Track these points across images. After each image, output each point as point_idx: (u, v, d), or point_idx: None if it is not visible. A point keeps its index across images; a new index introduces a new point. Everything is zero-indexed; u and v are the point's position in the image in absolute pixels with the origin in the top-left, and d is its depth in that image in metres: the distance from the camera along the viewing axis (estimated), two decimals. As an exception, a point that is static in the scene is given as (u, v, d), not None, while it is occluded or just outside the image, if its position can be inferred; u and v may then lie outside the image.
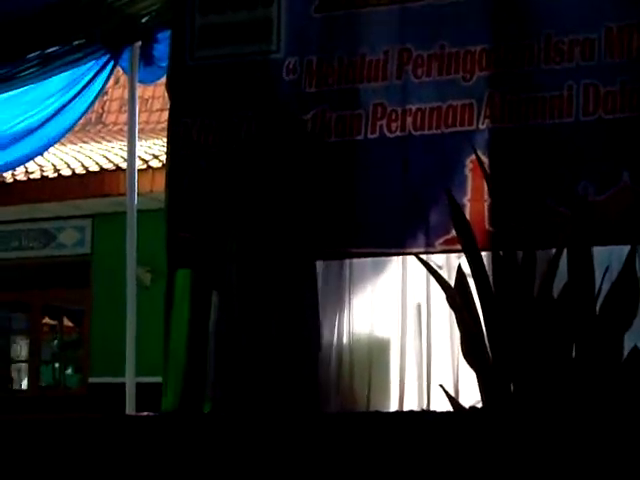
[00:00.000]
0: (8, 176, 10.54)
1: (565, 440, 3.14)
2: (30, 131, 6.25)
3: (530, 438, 3.17)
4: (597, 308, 3.70)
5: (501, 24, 4.68)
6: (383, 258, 4.87)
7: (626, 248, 3.97)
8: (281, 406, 4.26)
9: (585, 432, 3.13)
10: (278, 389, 4.30)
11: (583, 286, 3.64)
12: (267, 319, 4.32)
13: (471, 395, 4.28)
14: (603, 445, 3.09)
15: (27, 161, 7.07)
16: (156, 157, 10.30)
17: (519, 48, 4.61)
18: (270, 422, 3.79)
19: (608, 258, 4.07)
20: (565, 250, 3.84)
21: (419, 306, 4.81)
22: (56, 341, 13.28)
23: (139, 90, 6.28)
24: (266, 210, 4.40)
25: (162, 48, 5.74)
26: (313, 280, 4.50)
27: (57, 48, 5.86)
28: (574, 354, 3.64)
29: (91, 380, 11.50)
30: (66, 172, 10.92)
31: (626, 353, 3.65)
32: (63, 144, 10.95)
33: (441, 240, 4.61)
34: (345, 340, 4.89)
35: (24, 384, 12.88)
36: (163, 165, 8.06)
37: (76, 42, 5.85)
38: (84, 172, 10.83)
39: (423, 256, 4.48)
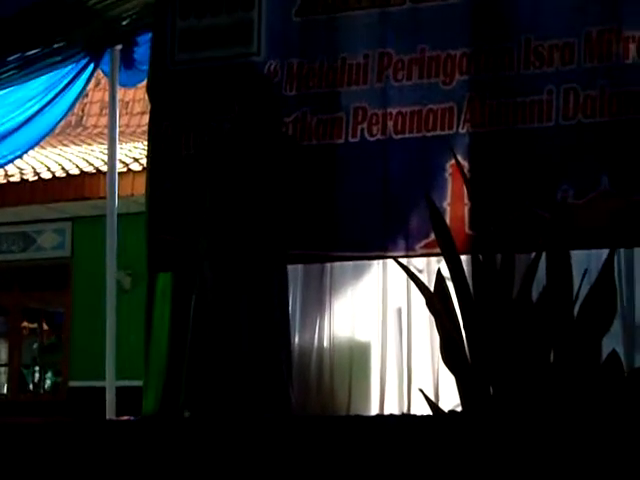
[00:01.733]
0: (-13, 179, 10.49)
1: (543, 443, 3.15)
2: (10, 133, 6.23)
3: (509, 441, 3.18)
4: (575, 312, 3.72)
5: (481, 28, 4.70)
6: (364, 262, 4.88)
7: (605, 252, 3.99)
8: (250, 409, 4.25)
9: (563, 435, 3.15)
10: (247, 392, 4.29)
11: (561, 290, 3.65)
12: (238, 322, 4.32)
13: (451, 398, 4.29)
14: (581, 447, 3.10)
15: (7, 164, 7.04)
16: (136, 160, 10.25)
17: (499, 52, 4.63)
18: (249, 426, 3.79)
19: (587, 262, 4.09)
20: (544, 254, 3.86)
21: (399, 310, 4.82)
22: (36, 344, 13.20)
23: (119, 93, 6.27)
24: (242, 213, 4.40)
25: (142, 51, 5.73)
26: (284, 283, 4.51)
27: (37, 51, 5.83)
28: (552, 358, 3.66)
29: (71, 384, 11.42)
30: (46, 175, 10.85)
31: (604, 357, 3.67)
32: (43, 147, 10.88)
33: (421, 244, 4.62)
34: (326, 344, 4.89)
35: (4, 388, 12.80)
36: (144, 168, 8.03)
37: (56, 45, 5.83)
38: (64, 175, 10.77)
39: (404, 260, 4.49)
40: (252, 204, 4.41)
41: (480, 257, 4.02)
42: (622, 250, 4.36)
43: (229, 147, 4.57)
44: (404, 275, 4.43)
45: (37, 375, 13.01)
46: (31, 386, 13.03)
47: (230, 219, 4.41)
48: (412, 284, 4.41)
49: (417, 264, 4.68)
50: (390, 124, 4.75)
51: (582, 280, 3.79)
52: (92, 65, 5.92)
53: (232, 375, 4.30)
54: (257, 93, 4.58)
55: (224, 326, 4.34)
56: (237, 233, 4.38)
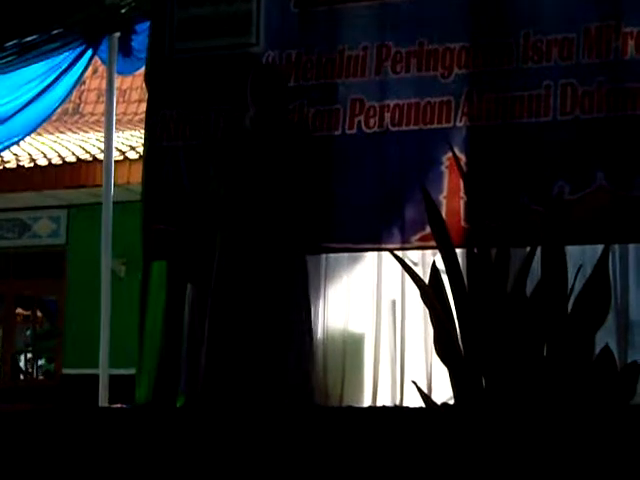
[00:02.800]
0: (-17, 165, 10.49)
1: (535, 436, 3.16)
2: (6, 119, 6.22)
3: (501, 434, 3.19)
4: (569, 306, 3.72)
5: (480, 23, 4.70)
6: (359, 254, 4.88)
7: (599, 247, 3.99)
8: (260, 400, 4.25)
9: (555, 429, 3.15)
10: (262, 383, 4.29)
11: (556, 284, 3.66)
12: (254, 312, 4.32)
13: (444, 391, 4.30)
14: (573, 441, 3.11)
15: (3, 150, 7.03)
16: (133, 148, 10.27)
17: (498, 47, 4.63)
18: (243, 416, 3.80)
19: (581, 257, 4.09)
20: (539, 248, 3.86)
21: (394, 302, 4.83)
22: (29, 331, 13.22)
23: (117, 81, 6.26)
24: (260, 204, 4.39)
25: (141, 39, 5.72)
26: (304, 273, 4.52)
27: (35, 37, 5.83)
28: (546, 352, 3.66)
29: (64, 371, 11.45)
30: (42, 162, 10.86)
31: (597, 351, 3.67)
32: (40, 134, 10.90)
33: (417, 236, 4.62)
34: (319, 335, 4.89)
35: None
36: (140, 156, 8.04)
37: (54, 31, 5.82)
38: (60, 162, 10.78)
39: (399, 252, 4.49)
40: (269, 195, 4.40)
41: (475, 250, 4.03)
42: (617, 246, 4.37)
43: (241, 138, 4.56)
44: (399, 267, 4.43)
45: (30, 362, 13.03)
46: (24, 373, 13.05)
47: (247, 211, 4.39)
48: (407, 276, 4.41)
49: (412, 257, 4.68)
50: (387, 116, 4.75)
51: (576, 275, 3.79)
52: (90, 52, 5.92)
53: (251, 367, 4.28)
54: (268, 83, 4.55)
55: (244, 318, 4.32)
56: (255, 224, 4.37)
